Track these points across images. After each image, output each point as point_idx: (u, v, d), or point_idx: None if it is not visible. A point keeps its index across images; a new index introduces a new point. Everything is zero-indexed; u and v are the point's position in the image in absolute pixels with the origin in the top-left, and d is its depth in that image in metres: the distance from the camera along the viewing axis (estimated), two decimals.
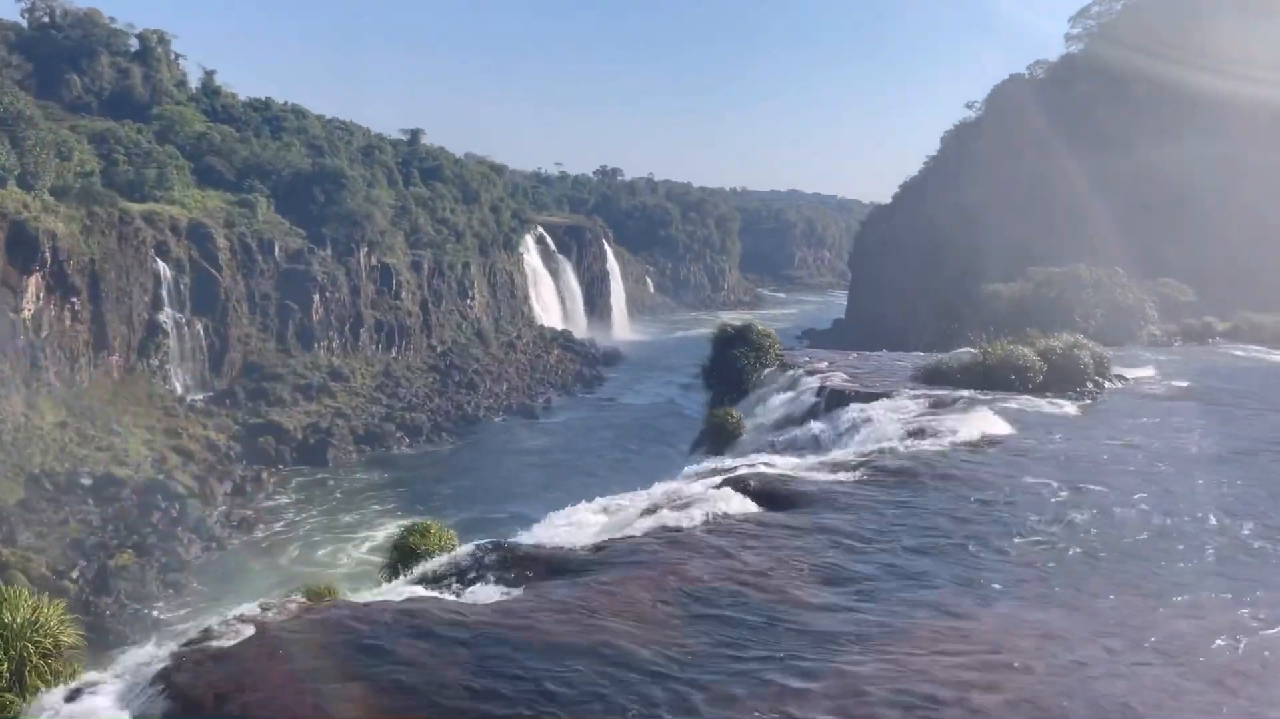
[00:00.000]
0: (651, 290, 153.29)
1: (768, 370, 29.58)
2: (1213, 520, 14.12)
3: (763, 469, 19.36)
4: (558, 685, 8.25)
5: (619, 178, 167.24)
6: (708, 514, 14.09)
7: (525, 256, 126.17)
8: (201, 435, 77.93)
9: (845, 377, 26.86)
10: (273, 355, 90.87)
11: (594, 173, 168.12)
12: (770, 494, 15.11)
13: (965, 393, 23.66)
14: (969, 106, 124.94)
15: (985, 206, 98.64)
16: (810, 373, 27.80)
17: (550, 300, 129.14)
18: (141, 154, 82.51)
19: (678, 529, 13.46)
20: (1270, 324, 40.42)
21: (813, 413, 24.81)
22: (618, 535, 13.33)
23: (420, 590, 11.05)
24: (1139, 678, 8.74)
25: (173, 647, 9.14)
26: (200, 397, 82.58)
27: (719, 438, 25.44)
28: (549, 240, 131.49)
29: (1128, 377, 26.65)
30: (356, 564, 61.42)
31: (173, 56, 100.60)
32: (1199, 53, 78.72)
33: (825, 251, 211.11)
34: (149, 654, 9.13)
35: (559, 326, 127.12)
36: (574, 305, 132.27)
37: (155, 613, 55.39)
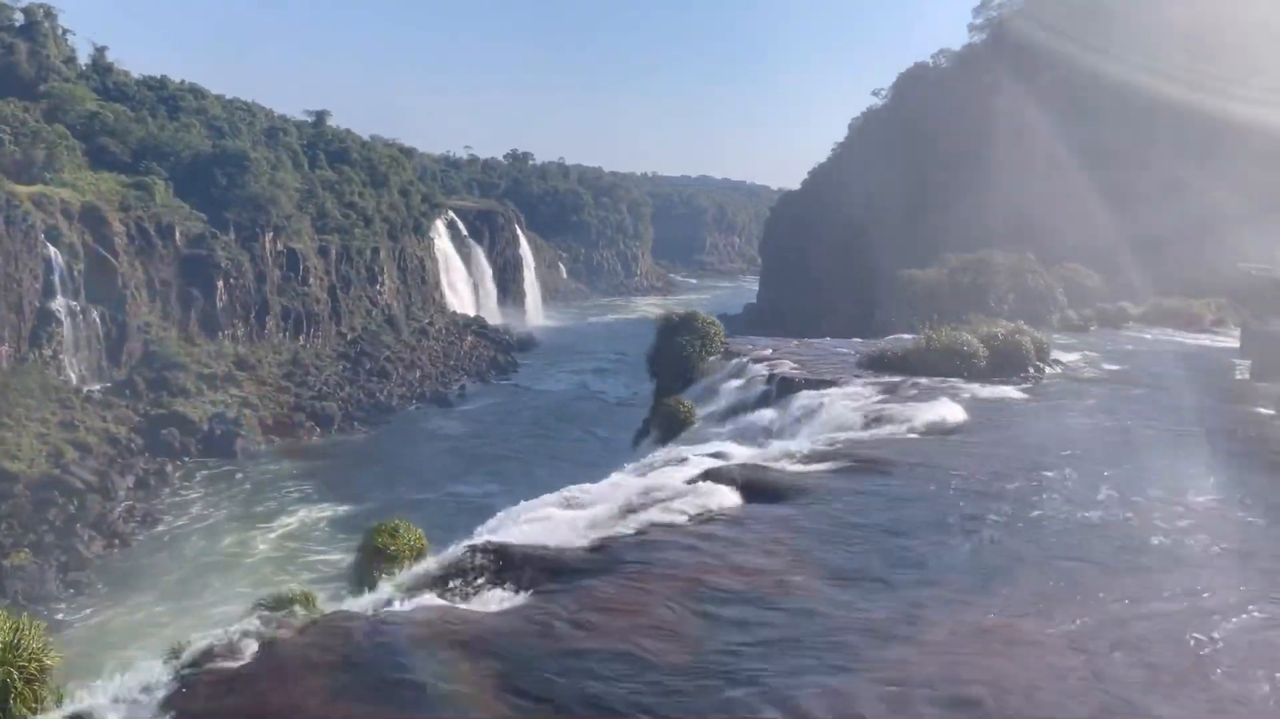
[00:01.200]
0: (565, 276, 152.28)
1: (713, 358, 29.54)
2: (1174, 504, 14.49)
3: (736, 460, 19.27)
4: (598, 695, 7.94)
5: (530, 162, 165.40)
6: (696, 509, 13.89)
7: (436, 241, 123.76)
8: (100, 428, 74.37)
9: (793, 364, 26.97)
10: (174, 344, 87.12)
11: (504, 156, 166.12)
12: (753, 486, 14.99)
13: (917, 380, 23.99)
14: (876, 94, 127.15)
15: (895, 193, 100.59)
16: (756, 360, 27.85)
17: (462, 286, 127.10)
18: (29, 134, 77.88)
19: (670, 525, 13.23)
20: (1178, 308, 42.18)
21: (764, 401, 24.85)
22: (609, 534, 13.01)
23: (428, 599, 10.55)
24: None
25: (173, 667, 8.49)
26: (98, 387, 78.74)
27: (670, 426, 25.27)
28: (460, 225, 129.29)
29: (1062, 361, 27.41)
30: (267, 554, 59.48)
31: (60, 31, 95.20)
32: (1101, 41, 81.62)
33: (736, 237, 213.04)
34: (148, 676, 8.47)
35: (472, 313, 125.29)
36: (487, 291, 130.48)
37: (58, 615, 52.78)
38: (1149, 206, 71.91)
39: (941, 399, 21.28)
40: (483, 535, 16.63)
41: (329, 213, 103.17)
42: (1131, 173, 76.42)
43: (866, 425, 19.64)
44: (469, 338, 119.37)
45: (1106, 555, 12.06)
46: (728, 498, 14.41)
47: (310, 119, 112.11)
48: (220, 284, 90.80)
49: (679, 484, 15.45)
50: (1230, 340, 35.37)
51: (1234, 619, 9.92)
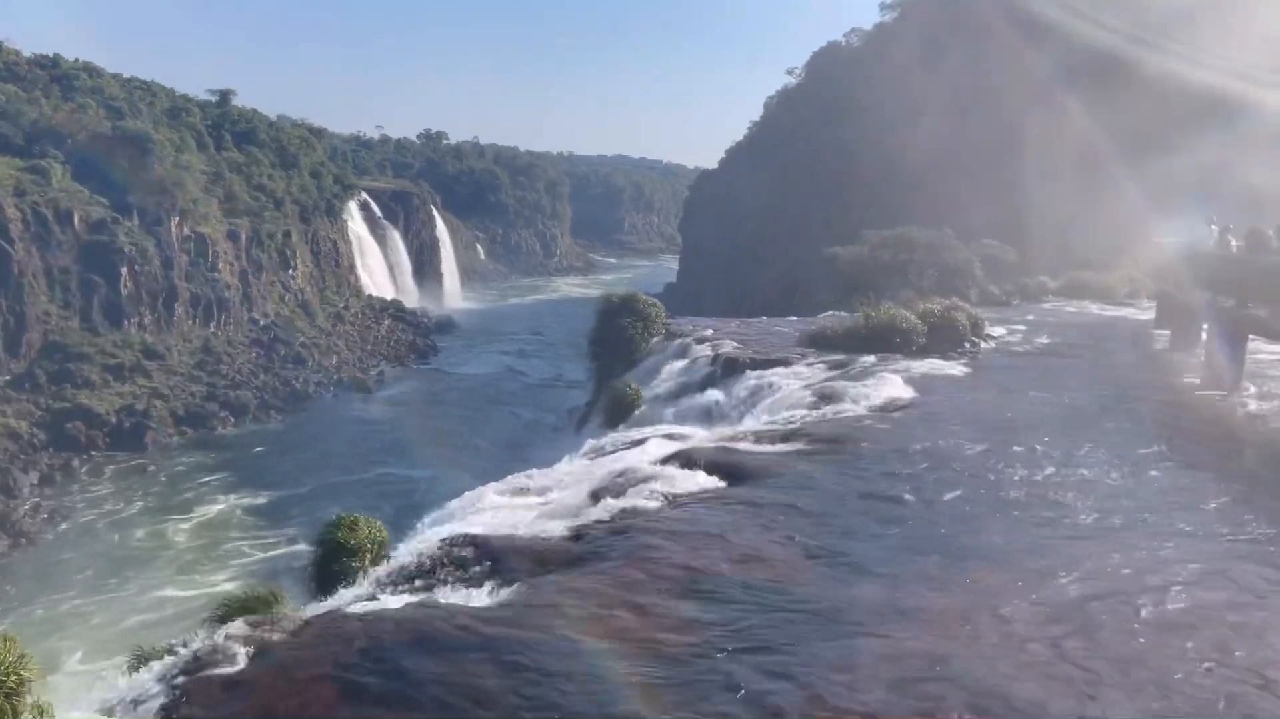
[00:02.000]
0: (483, 257, 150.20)
1: (656, 339, 29.49)
2: (1115, 473, 14.99)
3: (691, 442, 19.30)
4: (607, 691, 7.84)
5: (444, 141, 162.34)
6: (668, 492, 13.86)
7: (350, 224, 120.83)
8: (0, 423, 71.04)
9: (736, 344, 27.11)
10: (77, 334, 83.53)
11: (418, 136, 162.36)
12: (721, 468, 15.01)
13: (859, 357, 24.33)
14: (790, 73, 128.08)
15: (812, 171, 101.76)
16: (699, 341, 27.92)
17: (378, 269, 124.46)
18: None
19: (644, 510, 13.16)
20: (1094, 281, 43.63)
21: (709, 381, 24.94)
22: (585, 521, 12.89)
23: (414, 595, 10.28)
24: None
25: (161, 676, 8.11)
26: None
27: (617, 409, 25.18)
28: (374, 207, 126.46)
29: (994, 336, 28.12)
30: (186, 545, 57.61)
31: None
32: (1009, 22, 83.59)
33: (654, 217, 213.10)
34: (134, 684, 8.07)
35: (389, 296, 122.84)
36: (403, 274, 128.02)
37: None
38: (1059, 182, 74.21)
39: (887, 376, 21.64)
40: (444, 525, 16.38)
41: (237, 196, 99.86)
42: (1040, 149, 78.62)
43: (819, 404, 19.83)
44: (386, 322, 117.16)
45: (1072, 525, 12.40)
46: (698, 480, 14.41)
47: (214, 98, 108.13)
48: (124, 271, 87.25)
49: (646, 467, 15.40)
50: (1144, 312, 36.80)
51: (1179, 582, 10.33)
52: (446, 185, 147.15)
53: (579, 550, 11.52)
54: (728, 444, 16.76)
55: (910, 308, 26.81)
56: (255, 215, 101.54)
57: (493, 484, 19.38)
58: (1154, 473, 14.99)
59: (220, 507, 61.37)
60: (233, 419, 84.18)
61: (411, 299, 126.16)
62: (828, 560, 10.99)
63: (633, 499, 13.66)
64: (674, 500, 13.48)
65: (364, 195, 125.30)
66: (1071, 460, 15.38)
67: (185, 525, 59.45)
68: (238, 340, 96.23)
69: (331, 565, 14.87)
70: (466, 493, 19.34)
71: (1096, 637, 8.87)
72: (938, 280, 58.69)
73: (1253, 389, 21.23)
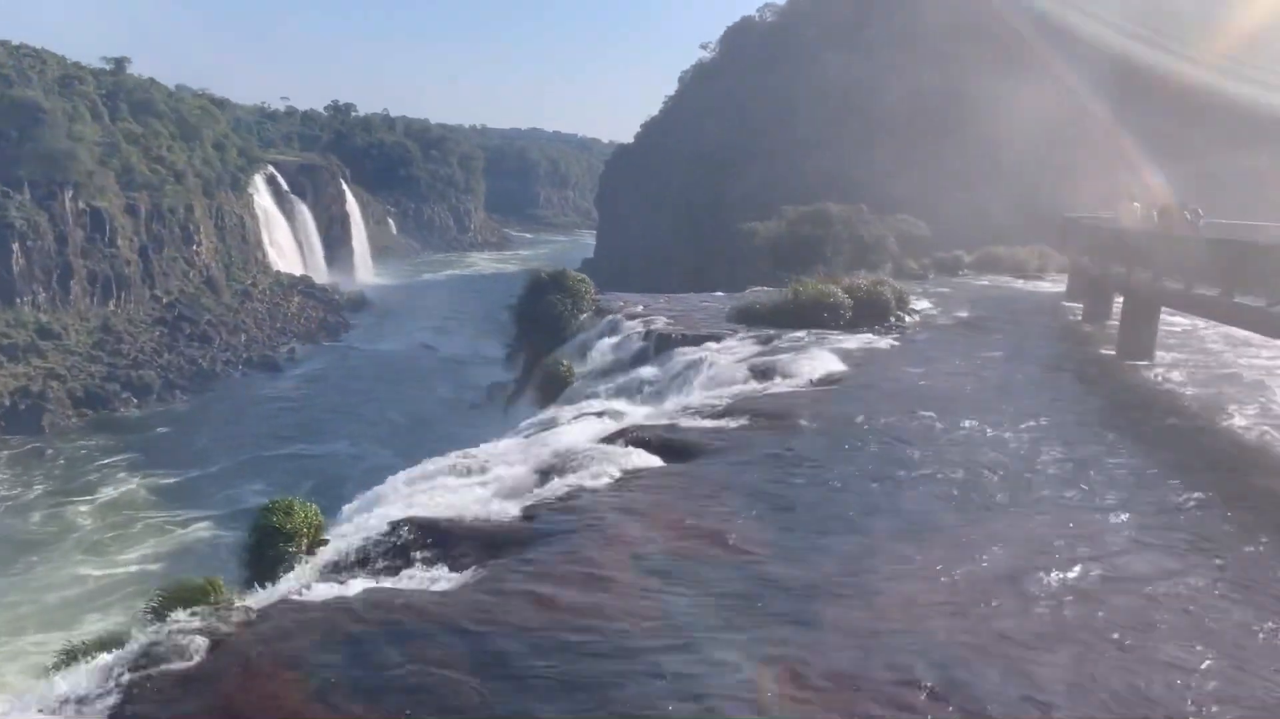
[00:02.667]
0: (395, 232, 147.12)
1: (585, 316, 29.28)
2: (1045, 444, 15.46)
3: (630, 419, 19.23)
4: (578, 673, 7.75)
5: (353, 113, 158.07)
6: (616, 471, 13.77)
7: (255, 198, 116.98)
8: None
9: (667, 319, 27.09)
10: None
11: (325, 108, 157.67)
12: (666, 446, 14.99)
13: (789, 332, 24.56)
14: (704, 47, 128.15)
15: (728, 146, 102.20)
16: (630, 317, 27.83)
17: (286, 244, 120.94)
18: None
19: (593, 489, 13.05)
20: (1007, 256, 44.87)
21: (642, 357, 24.90)
22: (534, 501, 12.74)
23: (367, 581, 10.00)
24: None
25: (108, 673, 7.73)
26: None
27: (550, 386, 24.96)
28: (281, 180, 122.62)
29: (917, 310, 28.68)
30: (92, 529, 55.43)
31: None
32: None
33: (570, 191, 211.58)
34: (76, 683, 7.67)
35: (298, 272, 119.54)
36: (312, 249, 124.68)
37: None
38: (969, 159, 76.05)
39: (819, 351, 21.89)
40: (379, 508, 16.03)
41: (136, 168, 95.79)
42: (951, 127, 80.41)
43: (754, 380, 19.95)
44: (296, 298, 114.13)
45: (1006, 497, 12.73)
46: (644, 459, 14.35)
47: (108, 67, 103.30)
48: (15, 247, 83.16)
49: (591, 446, 15.28)
50: (1055, 285, 38.01)
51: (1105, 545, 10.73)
52: (356, 159, 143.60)
53: (532, 531, 11.36)
54: (670, 422, 16.74)
55: (837, 283, 27.16)
56: (155, 189, 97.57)
57: (427, 463, 19.06)
58: (1077, 442, 15.49)
59: (127, 488, 59.11)
60: (135, 400, 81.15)
61: (321, 275, 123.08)
62: (778, 536, 11.06)
63: (580, 478, 13.53)
64: (622, 479, 13.40)
65: (270, 169, 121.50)
66: (1001, 433, 15.78)
67: (87, 508, 57.16)
68: (139, 319, 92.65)
69: (267, 551, 14.46)
70: (402, 472, 18.98)
71: (1023, 604, 9.14)
72: (854, 254, 59.68)
73: (1165, 359, 22.13)
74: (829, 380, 19.46)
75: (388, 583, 9.91)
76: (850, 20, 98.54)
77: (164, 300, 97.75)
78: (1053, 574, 9.79)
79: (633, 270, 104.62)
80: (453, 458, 19.30)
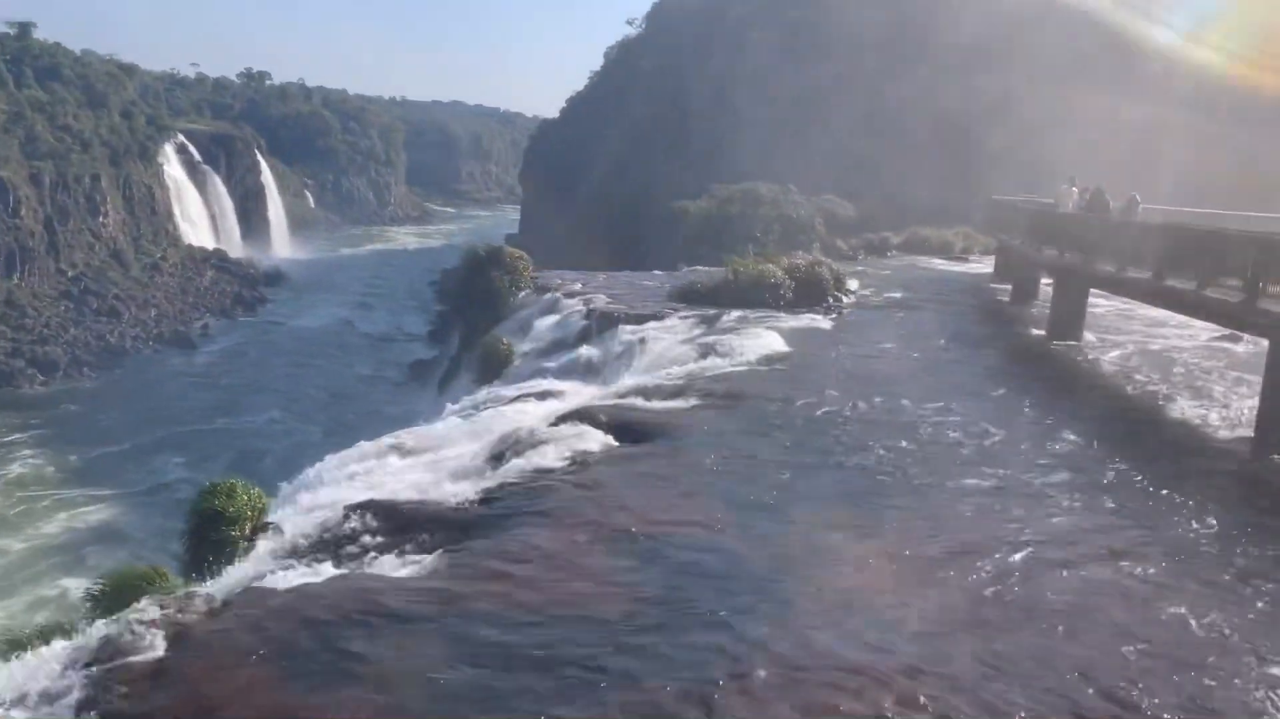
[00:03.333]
0: (312, 205, 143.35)
1: (524, 293, 28.97)
2: (984, 422, 15.84)
3: (573, 399, 19.12)
4: (555, 657, 7.67)
5: (267, 82, 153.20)
6: (570, 452, 13.65)
7: (166, 168, 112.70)
8: None
9: (607, 298, 26.96)
10: None
11: (238, 76, 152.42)
12: (619, 426, 14.90)
13: (730, 311, 24.66)
14: (630, 23, 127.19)
15: (655, 123, 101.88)
16: (569, 295, 27.62)
17: (199, 216, 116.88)
18: None
19: (551, 471, 12.92)
20: (933, 237, 45.75)
21: (584, 336, 24.76)
22: (492, 484, 12.55)
23: (328, 567, 9.73)
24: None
25: (67, 665, 7.37)
26: None
27: (489, 365, 24.65)
28: (192, 150, 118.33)
29: (852, 290, 29.07)
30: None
31: None
32: None
33: (492, 165, 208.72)
34: (31, 674, 7.28)
35: (211, 245, 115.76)
36: (226, 222, 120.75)
37: None
38: (894, 139, 77.10)
39: (761, 330, 22.04)
40: (319, 490, 15.66)
41: (40, 136, 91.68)
42: (875, 106, 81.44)
43: (699, 359, 19.99)
44: (209, 272, 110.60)
45: (951, 477, 12.99)
46: (599, 440, 14.24)
47: (12, 31, 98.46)
48: None
49: (543, 427, 15.12)
50: (981, 266, 38.91)
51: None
52: (271, 129, 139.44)
53: (492, 514, 11.21)
54: (620, 401, 16.67)
55: (777, 262, 27.34)
56: (60, 158, 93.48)
57: (363, 443, 18.69)
58: (1013, 421, 15.90)
59: (35, 464, 56.63)
60: (41, 377, 77.92)
61: (236, 249, 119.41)
62: (737, 516, 11.10)
63: (535, 460, 13.39)
64: (578, 460, 13.29)
65: (181, 138, 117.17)
66: (941, 412, 16.10)
67: None
68: (44, 292, 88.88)
69: (209, 535, 14.01)
70: (335, 454, 18.57)
71: (971, 584, 9.36)
72: (782, 234, 60.24)
73: (1092, 339, 22.83)
74: (772, 360, 19.61)
75: (351, 568, 9.66)
76: (767, 3, 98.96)
77: (69, 274, 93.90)
78: (995, 555, 10.00)
79: (556, 246, 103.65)
80: (391, 438, 18.97)
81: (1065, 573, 9.59)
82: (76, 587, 34.51)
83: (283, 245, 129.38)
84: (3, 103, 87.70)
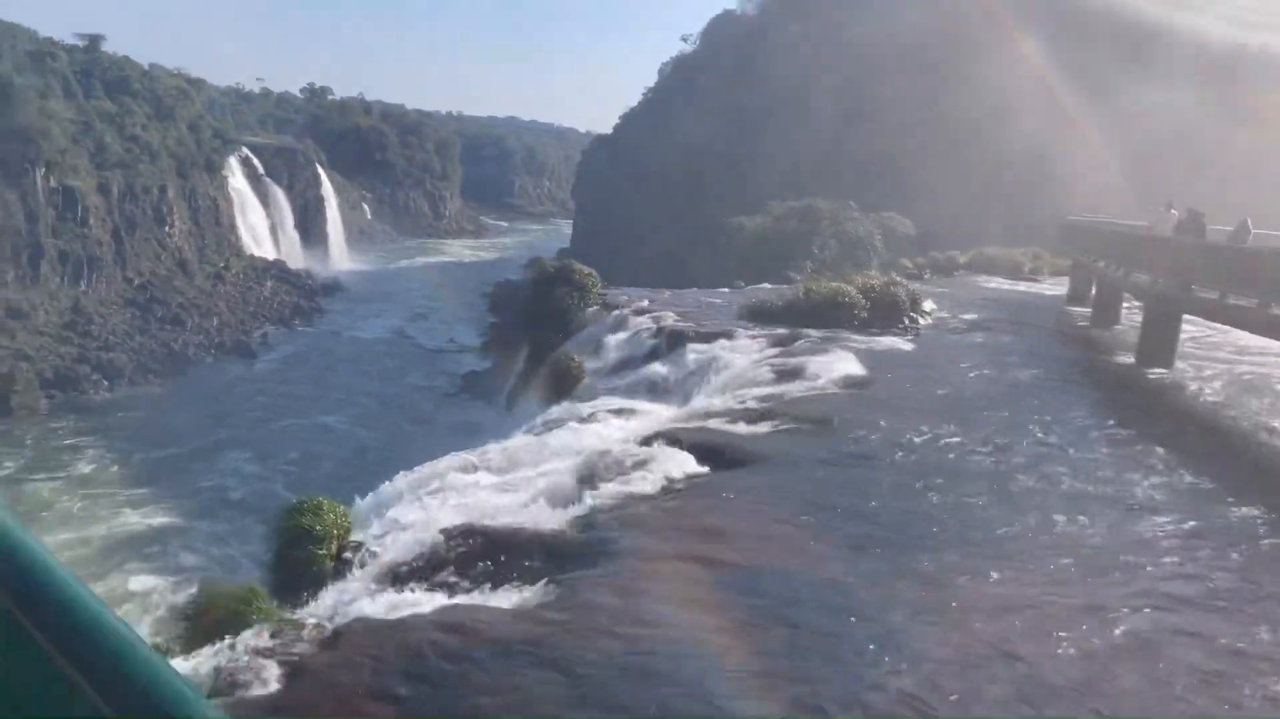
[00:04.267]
0: (369, 217, 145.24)
1: (591, 310, 28.80)
2: (1085, 452, 15.26)
3: (651, 419, 18.87)
4: (687, 700, 7.37)
5: (329, 96, 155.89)
6: (661, 477, 13.36)
7: (230, 180, 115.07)
8: None
9: (676, 315, 26.70)
10: None
11: (300, 91, 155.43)
12: (707, 451, 14.58)
13: (803, 331, 24.26)
14: (685, 39, 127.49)
15: (710, 139, 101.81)
16: (637, 312, 27.39)
17: (260, 228, 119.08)
18: None
19: (643, 496, 12.64)
20: (1002, 257, 44.88)
21: (654, 354, 24.50)
22: (585, 510, 12.29)
23: (433, 596, 9.52)
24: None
25: None
26: None
27: (560, 382, 24.49)
28: (256, 163, 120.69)
29: (928, 310, 28.49)
30: (68, 507, 54.07)
31: None
32: None
33: (546, 180, 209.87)
34: None
35: (271, 256, 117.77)
36: (287, 233, 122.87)
37: None
38: (957, 157, 76.12)
39: (839, 351, 21.60)
40: (401, 507, 15.54)
41: (109, 147, 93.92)
42: (938, 124, 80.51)
43: (777, 381, 19.62)
44: (269, 282, 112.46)
45: (1068, 512, 12.48)
46: (687, 464, 13.95)
47: (82, 43, 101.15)
48: None
49: (627, 449, 14.87)
50: (1053, 288, 38.05)
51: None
52: (331, 143, 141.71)
53: (591, 541, 10.94)
54: (702, 424, 16.36)
55: (851, 281, 26.89)
56: (128, 168, 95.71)
57: (437, 461, 18.58)
58: (1121, 455, 15.29)
59: (102, 465, 57.80)
60: (107, 383, 79.54)
61: (296, 260, 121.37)
62: (850, 551, 10.72)
63: (626, 484, 13.13)
64: (670, 486, 13.00)
65: (245, 151, 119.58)
66: (1038, 444, 15.55)
67: (62, 484, 55.80)
68: (111, 300, 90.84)
69: (294, 553, 13.95)
70: (417, 469, 18.48)
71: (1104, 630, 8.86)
72: (841, 252, 59.66)
73: (1184, 367, 22.06)
74: (854, 383, 19.15)
75: (458, 599, 9.44)
76: (832, 17, 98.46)
77: (135, 282, 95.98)
78: (1122, 610, 9.49)
79: (608, 261, 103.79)
80: (472, 454, 18.84)
81: (1195, 639, 9.04)
82: (141, 586, 34.97)
83: (340, 257, 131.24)
84: (73, 114, 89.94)
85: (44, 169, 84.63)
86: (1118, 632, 8.67)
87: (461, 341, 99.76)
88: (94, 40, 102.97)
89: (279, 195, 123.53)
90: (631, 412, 19.94)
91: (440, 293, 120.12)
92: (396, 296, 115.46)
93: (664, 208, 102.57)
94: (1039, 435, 15.86)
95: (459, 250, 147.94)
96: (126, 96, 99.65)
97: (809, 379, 19.45)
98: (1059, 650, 8.28)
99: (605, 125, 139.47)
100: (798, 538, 10.95)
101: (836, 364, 20.32)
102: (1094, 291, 29.36)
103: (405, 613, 8.82)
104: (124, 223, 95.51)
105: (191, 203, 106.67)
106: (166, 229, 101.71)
